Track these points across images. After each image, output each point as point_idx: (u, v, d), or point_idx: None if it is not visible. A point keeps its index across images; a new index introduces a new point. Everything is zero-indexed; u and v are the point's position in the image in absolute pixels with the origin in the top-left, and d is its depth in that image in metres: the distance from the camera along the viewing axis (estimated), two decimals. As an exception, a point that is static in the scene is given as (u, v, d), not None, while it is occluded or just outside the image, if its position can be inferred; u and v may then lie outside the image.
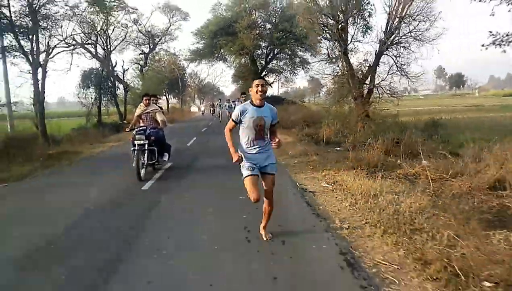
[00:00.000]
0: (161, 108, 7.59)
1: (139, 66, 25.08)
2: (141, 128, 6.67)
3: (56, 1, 12.96)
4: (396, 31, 11.54)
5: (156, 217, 4.37)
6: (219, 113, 24.38)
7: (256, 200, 3.23)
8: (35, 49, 12.57)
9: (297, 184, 5.70)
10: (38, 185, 6.69)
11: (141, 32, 24.31)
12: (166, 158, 7.34)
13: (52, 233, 3.81)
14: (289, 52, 24.32)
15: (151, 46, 25.66)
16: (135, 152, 6.43)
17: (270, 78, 28.80)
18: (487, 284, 2.36)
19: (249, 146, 3.35)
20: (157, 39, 25.53)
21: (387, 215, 3.77)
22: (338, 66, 12.85)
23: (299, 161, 7.75)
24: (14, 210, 5.00)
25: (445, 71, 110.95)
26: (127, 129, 7.22)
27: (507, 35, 8.37)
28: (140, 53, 24.94)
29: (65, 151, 10.44)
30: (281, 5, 23.26)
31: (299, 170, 6.86)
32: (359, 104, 11.86)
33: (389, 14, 11.42)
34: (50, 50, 13.57)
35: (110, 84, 20.84)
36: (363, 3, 12.30)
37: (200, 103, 56.46)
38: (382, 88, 12.06)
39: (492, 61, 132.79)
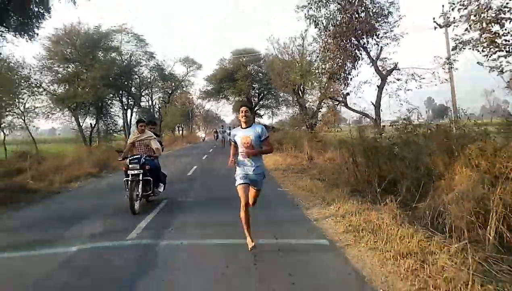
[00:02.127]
0: (156, 135, 7.23)
1: (164, 103, 34.28)
2: (135, 157, 6.23)
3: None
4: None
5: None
6: (222, 139, 26.76)
7: (245, 203, 3.90)
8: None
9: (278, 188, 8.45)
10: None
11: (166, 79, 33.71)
12: (161, 189, 6.85)
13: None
14: (274, 94, 33.60)
15: (173, 88, 34.99)
16: (129, 182, 5.99)
17: (261, 111, 38.11)
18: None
19: (242, 158, 4.09)
20: (178, 83, 34.87)
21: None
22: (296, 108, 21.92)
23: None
24: None
25: (434, 101, 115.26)
26: (120, 159, 6.56)
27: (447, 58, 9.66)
28: (166, 94, 34.20)
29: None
30: (268, 61, 32.80)
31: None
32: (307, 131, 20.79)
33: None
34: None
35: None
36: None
37: (202, 131, 63.75)
38: (320, 120, 21.03)
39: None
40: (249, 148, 4.02)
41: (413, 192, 5.96)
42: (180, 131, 44.61)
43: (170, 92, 34.35)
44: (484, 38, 6.29)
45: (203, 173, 11.66)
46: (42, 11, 9.56)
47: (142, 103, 28.12)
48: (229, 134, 14.73)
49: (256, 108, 35.20)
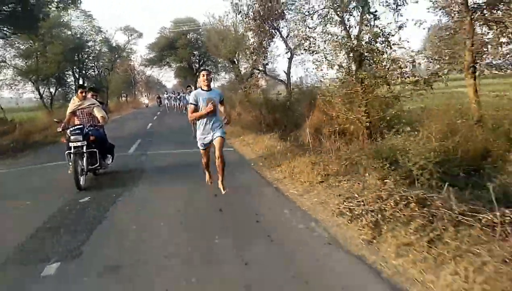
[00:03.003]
0: (101, 102, 6.64)
1: (108, 71, 35.47)
2: (77, 127, 5.59)
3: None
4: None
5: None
6: (166, 105, 28.84)
7: (206, 162, 4.79)
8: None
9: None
10: None
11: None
12: (109, 161, 6.37)
13: None
14: (213, 60, 36.63)
15: (116, 57, 36.09)
16: (71, 156, 5.32)
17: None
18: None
19: (205, 120, 4.48)
20: (120, 52, 36.01)
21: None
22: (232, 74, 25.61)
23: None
24: None
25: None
26: (59, 129, 5.85)
27: None
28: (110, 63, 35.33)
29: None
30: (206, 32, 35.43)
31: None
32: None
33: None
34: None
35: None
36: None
37: (145, 96, 64.64)
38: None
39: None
40: (213, 107, 4.36)
41: (293, 127, 10.44)
42: (124, 98, 45.70)
43: (112, 60, 35.55)
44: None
45: (158, 128, 15.23)
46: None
47: (93, 74, 29.53)
48: (176, 99, 18.65)
49: (197, 73, 38.00)
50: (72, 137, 5.46)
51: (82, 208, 4.58)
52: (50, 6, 14.15)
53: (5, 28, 12.87)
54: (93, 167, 5.74)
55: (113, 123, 16.05)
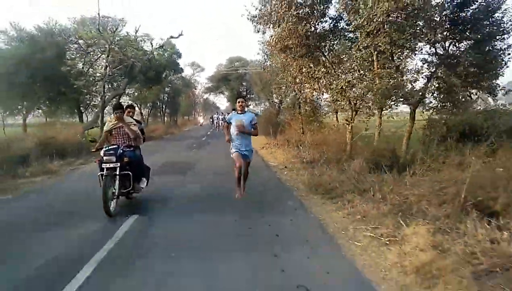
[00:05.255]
0: (137, 121, 6.34)
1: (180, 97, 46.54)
2: (111, 147, 5.40)
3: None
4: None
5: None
6: (216, 124, 34.69)
7: (240, 166, 5.54)
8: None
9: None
10: None
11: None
12: (144, 185, 6.04)
13: None
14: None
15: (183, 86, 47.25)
16: (103, 177, 5.15)
17: (249, 102, 50.71)
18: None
19: (235, 136, 5.65)
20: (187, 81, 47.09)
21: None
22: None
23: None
24: None
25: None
26: (93, 149, 5.77)
27: None
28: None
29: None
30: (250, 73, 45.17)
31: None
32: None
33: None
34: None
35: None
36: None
37: (200, 116, 75.51)
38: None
39: None
40: (240, 127, 5.57)
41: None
42: (187, 117, 57.17)
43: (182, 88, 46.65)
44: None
45: (210, 138, 24.20)
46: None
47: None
48: (223, 119, 29.02)
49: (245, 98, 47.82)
50: (105, 158, 5.22)
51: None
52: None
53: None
54: (125, 190, 5.50)
55: (188, 131, 25.42)
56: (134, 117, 6.35)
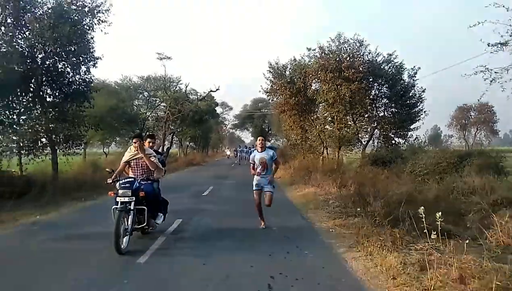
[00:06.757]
0: (158, 152, 6.21)
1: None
2: (127, 179, 5.20)
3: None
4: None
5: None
6: (239, 157, 34.73)
7: (258, 202, 6.27)
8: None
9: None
10: None
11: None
12: (160, 220, 5.82)
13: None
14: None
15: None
16: (117, 212, 4.85)
17: (270, 137, 57.66)
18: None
19: (259, 172, 6.28)
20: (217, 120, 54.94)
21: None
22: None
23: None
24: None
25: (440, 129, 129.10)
26: (109, 181, 5.33)
27: None
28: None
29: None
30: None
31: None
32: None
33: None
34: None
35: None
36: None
37: (227, 149, 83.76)
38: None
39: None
40: (263, 165, 6.20)
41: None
42: (216, 149, 64.77)
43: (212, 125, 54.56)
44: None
45: (235, 168, 30.57)
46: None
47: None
48: (246, 152, 35.97)
49: (268, 134, 54.90)
50: (120, 191, 4.98)
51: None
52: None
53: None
54: (139, 226, 5.27)
55: (218, 161, 32.08)
56: (154, 149, 6.17)
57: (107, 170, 5.92)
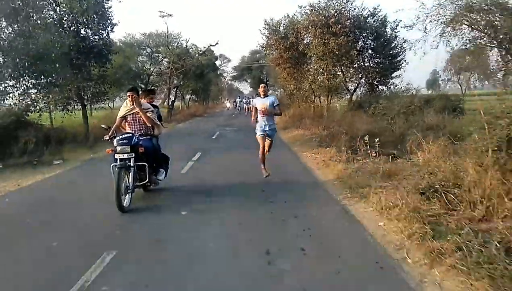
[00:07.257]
0: (155, 106, 5.85)
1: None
2: (125, 135, 4.98)
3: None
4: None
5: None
6: (239, 107, 36.29)
7: (262, 147, 6.23)
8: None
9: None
10: None
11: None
12: (162, 176, 5.65)
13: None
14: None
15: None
16: (116, 169, 4.67)
17: (269, 88, 59.02)
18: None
19: (260, 118, 6.36)
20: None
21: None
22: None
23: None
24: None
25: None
26: (106, 138, 5.14)
27: None
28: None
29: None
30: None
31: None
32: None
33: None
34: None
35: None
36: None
37: (227, 100, 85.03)
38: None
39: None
40: (265, 110, 6.22)
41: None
42: (215, 101, 66.38)
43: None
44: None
45: (236, 117, 32.61)
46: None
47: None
48: (247, 102, 38.49)
49: (267, 83, 56.32)
50: (118, 148, 4.80)
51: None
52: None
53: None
54: (141, 183, 5.12)
55: (219, 112, 34.30)
56: (153, 103, 5.91)
57: (102, 126, 5.73)
